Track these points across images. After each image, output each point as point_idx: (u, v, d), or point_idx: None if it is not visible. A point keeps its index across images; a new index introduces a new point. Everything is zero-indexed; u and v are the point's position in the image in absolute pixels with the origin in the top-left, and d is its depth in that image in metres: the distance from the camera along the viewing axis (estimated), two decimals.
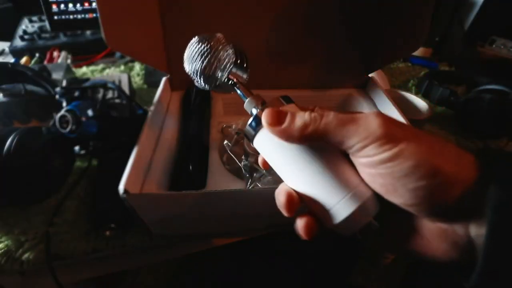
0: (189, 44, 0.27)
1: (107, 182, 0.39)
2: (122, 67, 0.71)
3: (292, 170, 0.20)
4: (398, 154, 0.16)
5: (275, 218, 0.41)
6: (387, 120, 0.17)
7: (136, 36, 0.41)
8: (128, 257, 0.42)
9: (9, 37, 0.75)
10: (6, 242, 0.37)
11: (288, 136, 0.19)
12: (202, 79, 0.26)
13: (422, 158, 0.16)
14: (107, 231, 0.36)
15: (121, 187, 0.30)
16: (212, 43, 0.25)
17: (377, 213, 0.19)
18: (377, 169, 0.17)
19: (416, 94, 0.64)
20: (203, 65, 0.25)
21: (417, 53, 0.71)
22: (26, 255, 0.36)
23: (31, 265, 0.36)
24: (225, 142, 0.42)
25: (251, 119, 0.22)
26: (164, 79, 0.49)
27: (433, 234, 0.19)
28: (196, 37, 0.27)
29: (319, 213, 0.20)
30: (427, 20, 0.44)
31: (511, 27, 0.74)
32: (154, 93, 0.45)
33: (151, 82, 0.66)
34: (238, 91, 0.26)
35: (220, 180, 0.39)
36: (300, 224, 0.20)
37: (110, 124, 0.41)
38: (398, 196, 0.17)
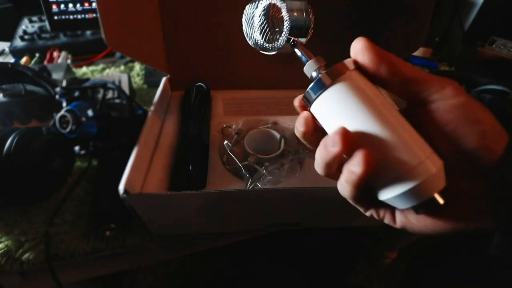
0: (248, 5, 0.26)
1: (107, 182, 0.39)
2: (122, 67, 0.71)
3: (364, 127, 0.18)
4: (468, 101, 0.19)
5: (275, 218, 0.41)
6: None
7: (136, 36, 0.41)
8: (128, 257, 0.42)
9: (9, 37, 0.75)
10: (6, 242, 0.37)
11: (379, 60, 0.19)
12: (261, 43, 0.26)
13: (481, 108, 0.19)
14: (107, 231, 0.36)
15: (121, 187, 0.30)
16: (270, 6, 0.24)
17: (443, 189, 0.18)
18: (452, 113, 0.18)
19: None
20: (260, 29, 0.25)
21: (417, 53, 0.71)
22: (26, 255, 0.36)
23: (31, 265, 0.36)
24: (225, 142, 0.42)
25: (313, 83, 0.20)
26: (164, 79, 0.49)
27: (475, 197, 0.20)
28: None
29: (378, 176, 0.18)
30: (427, 20, 0.44)
31: (511, 27, 0.74)
32: (154, 93, 0.45)
33: (151, 82, 0.66)
34: (299, 53, 0.24)
35: (220, 180, 0.39)
36: (362, 157, 0.18)
37: (110, 124, 0.41)
38: (466, 140, 0.18)
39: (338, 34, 0.49)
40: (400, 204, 0.19)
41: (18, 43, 0.73)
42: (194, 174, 0.38)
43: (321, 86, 0.20)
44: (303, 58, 0.23)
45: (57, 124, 0.37)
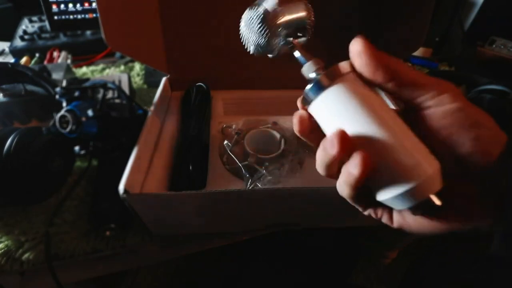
0: (248, 9, 0.26)
1: (107, 182, 0.39)
2: (122, 67, 0.71)
3: (361, 130, 0.18)
4: (465, 106, 0.19)
5: (275, 218, 0.41)
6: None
7: (136, 36, 0.41)
8: (128, 257, 0.42)
9: (9, 37, 0.75)
10: (6, 242, 0.37)
11: (379, 65, 0.19)
12: (259, 48, 0.26)
13: (479, 112, 0.19)
14: (107, 231, 0.36)
15: (121, 187, 0.30)
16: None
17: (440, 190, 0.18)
18: (448, 118, 0.19)
19: None
20: (259, 33, 0.25)
21: (417, 53, 0.71)
22: (26, 255, 0.36)
23: (31, 265, 0.36)
24: (225, 142, 0.42)
25: (311, 84, 0.20)
26: (164, 79, 0.49)
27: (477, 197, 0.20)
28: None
29: (376, 178, 0.18)
30: (427, 20, 0.44)
31: (511, 27, 0.74)
32: (154, 93, 0.45)
33: (151, 82, 0.66)
34: (297, 54, 0.24)
35: (220, 180, 0.39)
36: (359, 160, 0.18)
37: (110, 124, 0.41)
38: (460, 145, 0.19)
39: (338, 34, 0.49)
40: (397, 205, 0.19)
41: (18, 43, 0.73)
42: (194, 174, 0.38)
43: (319, 88, 0.20)
44: (302, 60, 0.23)
45: (57, 124, 0.37)
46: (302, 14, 0.25)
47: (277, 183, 0.38)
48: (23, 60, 0.70)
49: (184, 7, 0.44)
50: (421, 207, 0.18)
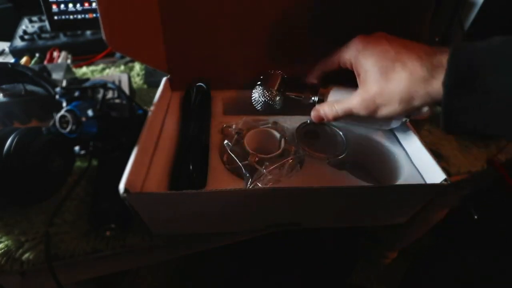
0: (253, 91, 0.44)
1: (107, 182, 0.39)
2: (122, 67, 0.71)
3: None
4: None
5: (275, 218, 0.41)
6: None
7: (136, 36, 0.41)
8: (128, 257, 0.42)
9: (9, 37, 0.75)
10: (6, 242, 0.37)
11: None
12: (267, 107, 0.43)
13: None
14: (107, 231, 0.36)
15: (121, 186, 0.30)
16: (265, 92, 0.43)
17: None
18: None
19: None
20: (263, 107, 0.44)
21: None
22: (26, 255, 0.36)
23: (31, 265, 0.36)
24: (225, 142, 0.42)
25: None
26: (164, 79, 0.49)
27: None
28: (257, 87, 0.44)
29: None
30: (427, 20, 0.44)
31: (511, 27, 0.74)
32: (154, 93, 0.45)
33: (151, 82, 0.66)
34: (293, 97, 0.42)
35: (220, 180, 0.39)
36: None
37: (110, 124, 0.41)
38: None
39: (339, 35, 0.49)
40: None
41: (18, 43, 0.73)
42: (194, 174, 0.38)
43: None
44: (297, 98, 0.42)
45: (57, 124, 0.37)
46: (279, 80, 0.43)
47: (277, 183, 0.38)
48: (23, 60, 0.70)
49: (184, 7, 0.44)
50: None
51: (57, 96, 0.41)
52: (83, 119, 0.37)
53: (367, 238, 0.96)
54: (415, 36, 0.46)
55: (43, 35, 0.75)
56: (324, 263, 0.89)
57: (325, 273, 0.88)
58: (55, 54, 0.71)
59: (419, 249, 0.94)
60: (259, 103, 0.43)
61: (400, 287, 0.89)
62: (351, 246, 0.97)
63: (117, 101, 0.46)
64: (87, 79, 0.56)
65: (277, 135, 0.43)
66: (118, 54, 0.77)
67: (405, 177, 0.39)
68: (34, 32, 0.75)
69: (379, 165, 0.44)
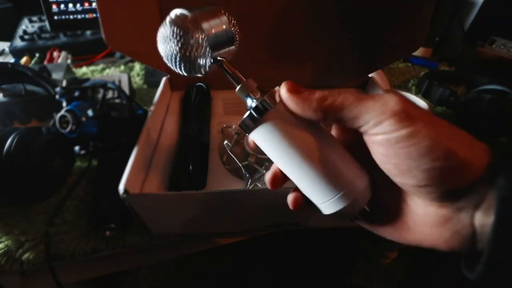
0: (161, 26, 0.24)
1: (107, 182, 0.39)
2: (122, 67, 0.71)
3: (287, 165, 0.20)
4: (415, 133, 0.16)
5: (275, 218, 0.41)
6: (405, 99, 0.17)
7: (136, 36, 0.41)
8: (128, 257, 0.42)
9: (9, 37, 0.75)
10: (6, 242, 0.37)
11: (305, 106, 0.19)
12: (184, 70, 0.23)
13: (438, 140, 0.16)
14: (107, 231, 0.36)
15: (121, 187, 0.30)
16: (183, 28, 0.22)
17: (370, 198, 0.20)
18: (393, 148, 0.17)
19: (416, 94, 0.64)
20: (180, 56, 0.22)
21: (417, 53, 0.71)
22: (26, 255, 0.36)
23: (31, 265, 0.36)
24: (225, 142, 0.42)
25: (245, 116, 0.21)
26: (164, 79, 0.49)
27: (435, 222, 0.19)
28: (169, 17, 0.24)
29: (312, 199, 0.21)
30: (427, 20, 0.44)
31: (511, 27, 0.74)
32: (154, 93, 0.45)
33: (151, 82, 0.66)
34: (227, 74, 0.22)
35: (220, 180, 0.39)
36: (289, 198, 0.22)
37: (110, 124, 0.41)
38: (412, 177, 0.17)
39: (339, 35, 0.49)
40: (339, 218, 0.21)
41: (18, 43, 0.73)
42: (194, 174, 0.38)
43: (252, 123, 0.21)
44: (232, 80, 0.22)
45: (57, 124, 0.37)
46: (222, 25, 0.23)
47: None
48: (23, 60, 0.70)
49: (184, 7, 0.44)
50: (355, 217, 0.21)
51: (57, 96, 0.41)
52: (83, 119, 0.37)
53: (367, 238, 0.96)
54: (415, 36, 0.46)
55: (43, 35, 0.75)
56: (324, 263, 0.89)
57: (325, 273, 0.88)
58: (55, 54, 0.71)
59: (419, 249, 0.94)
60: (172, 57, 0.24)
61: (400, 287, 0.89)
62: (351, 246, 0.97)
63: (117, 101, 0.46)
64: (87, 79, 0.56)
65: None
66: (118, 54, 0.77)
67: None
68: (34, 32, 0.75)
69: None
